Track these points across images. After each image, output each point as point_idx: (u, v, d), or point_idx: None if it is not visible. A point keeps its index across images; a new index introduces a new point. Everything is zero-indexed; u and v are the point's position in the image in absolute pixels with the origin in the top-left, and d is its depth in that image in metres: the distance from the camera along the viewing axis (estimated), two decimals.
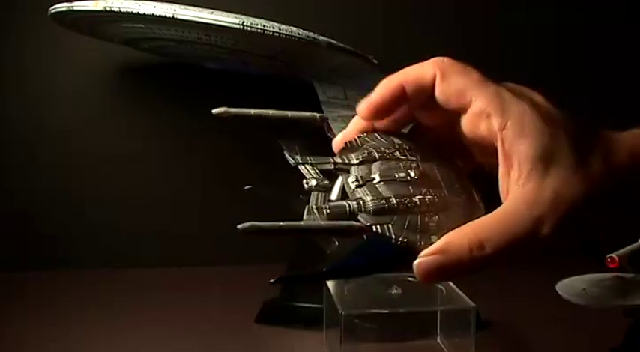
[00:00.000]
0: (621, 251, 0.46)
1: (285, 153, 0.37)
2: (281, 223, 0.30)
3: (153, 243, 0.84)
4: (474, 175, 0.37)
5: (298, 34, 0.57)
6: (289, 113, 0.39)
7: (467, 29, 0.85)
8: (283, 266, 0.65)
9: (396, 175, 0.34)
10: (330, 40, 0.59)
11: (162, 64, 0.81)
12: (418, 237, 0.31)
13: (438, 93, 0.33)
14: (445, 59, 0.34)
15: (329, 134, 0.67)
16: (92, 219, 0.83)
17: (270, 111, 0.39)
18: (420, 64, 0.34)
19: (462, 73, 0.33)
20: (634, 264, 0.46)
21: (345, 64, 0.63)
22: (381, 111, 0.35)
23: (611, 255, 0.46)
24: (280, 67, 0.68)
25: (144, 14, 0.57)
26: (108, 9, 0.58)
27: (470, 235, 0.30)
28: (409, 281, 0.52)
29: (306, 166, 0.36)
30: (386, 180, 0.34)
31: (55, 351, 0.56)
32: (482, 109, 0.32)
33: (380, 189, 0.33)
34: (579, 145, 0.31)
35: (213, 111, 0.38)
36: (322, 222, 0.31)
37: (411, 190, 0.33)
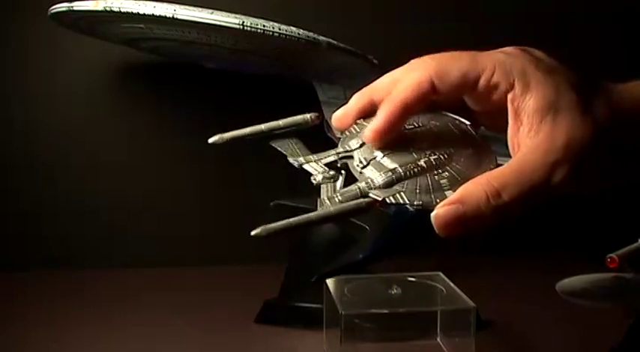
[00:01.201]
0: (621, 251, 0.46)
1: (287, 158, 0.37)
2: (291, 220, 0.31)
3: (153, 243, 0.83)
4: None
5: (298, 34, 0.57)
6: (281, 122, 0.39)
7: (467, 29, 0.85)
8: (283, 267, 0.65)
9: (398, 145, 0.35)
10: (330, 40, 0.59)
11: (162, 64, 0.81)
12: (432, 196, 0.32)
13: (445, 92, 0.34)
14: (427, 59, 0.35)
15: (329, 134, 0.67)
16: (92, 219, 0.83)
17: (263, 126, 0.39)
18: (408, 74, 0.35)
19: (456, 61, 0.34)
20: (634, 264, 0.46)
21: (345, 64, 0.63)
22: (390, 132, 0.35)
23: (611, 255, 0.46)
24: (280, 67, 0.68)
25: (144, 14, 0.57)
26: (108, 9, 0.58)
27: (486, 184, 0.31)
28: (409, 281, 0.52)
29: (311, 164, 0.36)
30: (388, 153, 0.34)
31: (55, 351, 0.56)
32: (487, 83, 0.33)
33: (385, 163, 0.34)
34: (583, 94, 0.32)
35: (209, 140, 0.39)
36: (331, 209, 0.32)
37: (415, 156, 0.34)
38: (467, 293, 0.49)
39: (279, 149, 0.38)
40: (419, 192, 0.32)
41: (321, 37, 0.59)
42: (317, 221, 0.32)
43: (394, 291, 0.50)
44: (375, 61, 0.63)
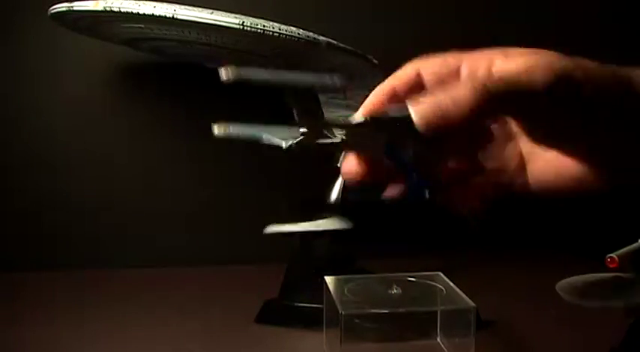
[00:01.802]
0: (621, 251, 0.46)
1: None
2: (268, 73, 0.31)
3: (153, 243, 0.84)
4: None
5: (298, 34, 0.57)
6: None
7: (467, 29, 0.85)
8: (283, 266, 0.65)
9: None
10: (330, 40, 0.59)
11: (162, 64, 0.81)
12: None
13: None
14: (420, 62, 0.35)
15: (329, 134, 0.67)
16: (92, 219, 0.83)
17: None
18: (403, 71, 0.35)
19: (440, 63, 0.35)
20: (634, 263, 0.46)
21: (345, 64, 0.63)
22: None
23: (611, 255, 0.46)
24: (280, 67, 0.68)
25: (144, 14, 0.57)
26: (108, 9, 0.58)
27: (465, 77, 0.32)
28: (409, 281, 0.52)
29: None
30: None
31: (55, 351, 0.56)
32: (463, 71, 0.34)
33: None
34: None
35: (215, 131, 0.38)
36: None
37: None
38: (467, 293, 0.49)
39: (271, 141, 0.38)
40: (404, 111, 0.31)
41: (321, 37, 0.59)
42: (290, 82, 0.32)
43: (394, 291, 0.50)
44: (375, 61, 0.63)
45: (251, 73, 0.33)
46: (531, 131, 0.34)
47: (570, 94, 0.31)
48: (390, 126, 0.32)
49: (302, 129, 0.36)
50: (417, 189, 0.33)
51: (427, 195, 0.33)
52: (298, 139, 0.35)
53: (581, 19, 0.89)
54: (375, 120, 0.32)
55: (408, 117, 0.30)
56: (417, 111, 0.30)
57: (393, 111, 0.33)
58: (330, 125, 0.33)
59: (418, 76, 0.35)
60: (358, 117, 0.32)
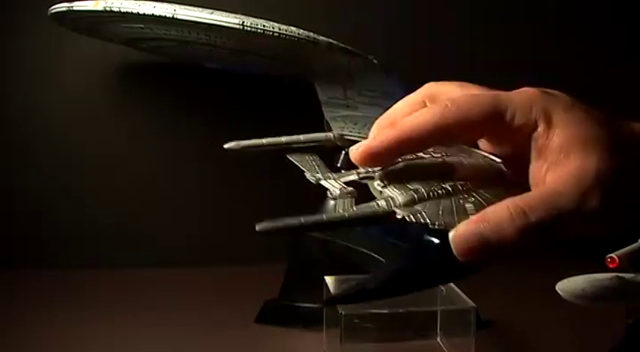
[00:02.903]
0: (621, 251, 0.46)
1: (305, 173, 0.35)
2: (302, 219, 0.28)
3: (153, 243, 0.83)
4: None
5: (298, 34, 0.57)
6: (302, 137, 0.38)
7: (467, 28, 0.85)
8: (283, 267, 0.65)
9: (422, 170, 0.33)
10: (330, 40, 0.59)
11: (162, 64, 0.81)
12: (455, 218, 0.30)
13: (461, 137, 0.33)
14: (447, 102, 0.32)
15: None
16: (92, 219, 0.83)
17: (283, 138, 0.38)
18: (426, 112, 0.33)
19: (476, 104, 0.32)
20: (634, 263, 0.46)
21: (345, 64, 0.63)
22: (381, 156, 0.33)
23: (611, 255, 0.46)
24: (280, 67, 0.68)
25: (144, 14, 0.57)
26: (108, 9, 0.58)
27: (510, 203, 0.29)
28: None
29: (329, 181, 0.34)
30: (412, 175, 0.32)
31: (55, 351, 0.56)
32: (510, 124, 0.32)
33: (407, 185, 0.32)
34: (607, 128, 0.31)
35: (225, 146, 0.37)
36: (345, 213, 0.30)
37: (441, 180, 0.32)
38: (467, 293, 0.49)
39: (296, 163, 0.36)
40: (441, 214, 0.30)
41: (321, 37, 0.59)
42: (327, 223, 0.29)
43: None
44: (375, 61, 0.63)
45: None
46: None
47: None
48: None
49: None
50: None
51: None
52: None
53: (580, 19, 0.89)
54: (404, 221, 0.29)
55: (446, 233, 0.29)
56: (456, 242, 0.29)
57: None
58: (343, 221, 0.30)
59: (444, 122, 0.32)
60: (397, 210, 0.30)
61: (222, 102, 0.83)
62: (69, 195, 0.82)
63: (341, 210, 0.30)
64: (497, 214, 0.29)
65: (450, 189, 0.31)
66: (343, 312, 0.46)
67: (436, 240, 0.30)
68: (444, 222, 0.29)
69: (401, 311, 0.48)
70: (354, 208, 0.30)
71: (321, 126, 0.64)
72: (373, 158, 0.33)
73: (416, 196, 0.30)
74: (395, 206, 0.30)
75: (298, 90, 0.68)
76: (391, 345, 0.51)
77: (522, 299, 0.69)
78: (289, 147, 0.37)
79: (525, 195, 0.30)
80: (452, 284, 0.51)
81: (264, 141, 0.38)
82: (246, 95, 0.83)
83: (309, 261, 0.62)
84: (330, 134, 0.38)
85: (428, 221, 0.29)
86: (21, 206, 0.81)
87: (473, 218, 0.29)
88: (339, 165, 0.60)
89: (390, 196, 0.31)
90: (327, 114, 0.64)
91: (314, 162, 0.36)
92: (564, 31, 0.88)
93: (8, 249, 0.80)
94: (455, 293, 0.50)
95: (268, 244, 0.80)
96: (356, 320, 0.47)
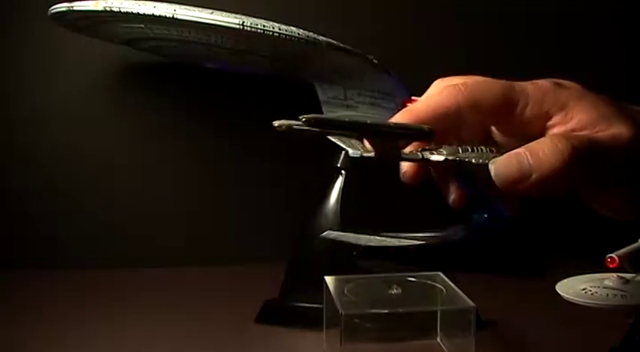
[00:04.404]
0: (621, 251, 0.46)
1: (346, 150, 0.36)
2: (346, 118, 0.30)
3: (153, 243, 0.84)
4: None
5: (298, 34, 0.57)
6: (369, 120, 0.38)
7: (467, 29, 0.85)
8: (283, 266, 0.65)
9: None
10: (330, 40, 0.59)
11: (162, 64, 0.81)
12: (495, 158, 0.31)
13: (473, 122, 0.34)
14: (460, 86, 0.33)
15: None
16: (92, 219, 0.83)
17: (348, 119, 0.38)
18: (438, 96, 0.34)
19: (489, 91, 0.33)
20: (634, 263, 0.46)
21: (345, 64, 0.63)
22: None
23: (611, 255, 0.46)
24: (280, 67, 0.68)
25: (144, 14, 0.57)
26: (108, 9, 0.58)
27: (552, 135, 0.31)
28: (409, 281, 0.52)
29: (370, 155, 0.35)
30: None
31: (55, 351, 0.56)
32: (522, 113, 0.32)
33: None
34: (618, 106, 0.33)
35: (275, 123, 0.37)
36: (391, 122, 0.31)
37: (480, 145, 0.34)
38: (467, 293, 0.49)
39: (340, 144, 0.37)
40: (484, 157, 0.32)
41: (321, 37, 0.59)
42: (372, 127, 0.30)
43: (394, 291, 0.50)
44: (375, 61, 0.63)
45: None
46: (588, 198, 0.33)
47: None
48: (468, 169, 0.32)
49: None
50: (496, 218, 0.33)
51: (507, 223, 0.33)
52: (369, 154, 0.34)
53: (581, 19, 0.89)
54: (454, 162, 0.31)
55: (486, 166, 0.30)
56: (496, 168, 0.30)
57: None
58: (405, 159, 0.33)
59: (457, 104, 0.33)
60: (438, 155, 0.32)
61: (222, 102, 0.83)
62: (69, 195, 0.82)
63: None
64: (539, 142, 0.30)
65: (493, 148, 0.33)
66: (343, 312, 0.46)
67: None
68: (488, 160, 0.31)
69: (401, 311, 0.48)
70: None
71: None
72: None
73: (460, 149, 0.33)
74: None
75: (298, 90, 0.68)
76: (391, 345, 0.51)
77: (522, 299, 0.68)
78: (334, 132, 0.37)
79: (567, 132, 0.31)
80: (452, 284, 0.51)
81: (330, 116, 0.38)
82: (246, 95, 0.83)
83: (309, 261, 0.62)
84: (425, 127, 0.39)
85: (472, 160, 0.31)
86: (21, 206, 0.81)
87: (515, 150, 0.30)
88: (339, 165, 0.60)
89: (434, 151, 0.33)
90: (327, 114, 0.64)
91: (358, 143, 0.36)
92: (564, 31, 0.88)
93: (8, 249, 0.80)
94: (455, 293, 0.50)
95: (268, 244, 0.80)
96: (356, 320, 0.47)
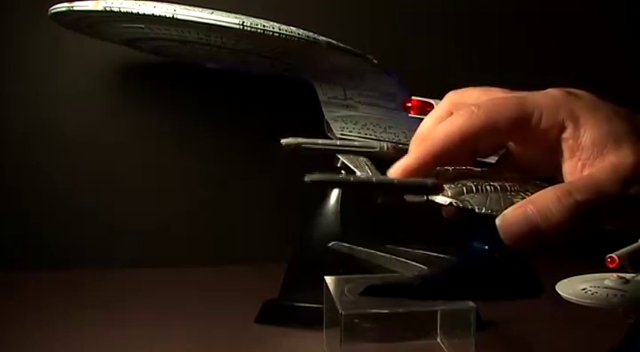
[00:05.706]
0: (621, 251, 0.46)
1: (355, 173, 0.35)
2: (351, 178, 0.30)
3: (153, 243, 0.84)
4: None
5: (298, 34, 0.57)
6: (356, 142, 0.38)
7: (467, 29, 0.85)
8: (283, 266, 0.65)
9: (472, 174, 0.34)
10: (330, 40, 0.59)
11: (163, 64, 0.81)
12: (502, 206, 0.30)
13: (490, 142, 0.34)
14: (473, 108, 0.33)
15: (329, 134, 0.67)
16: (92, 219, 0.83)
17: (338, 142, 0.38)
18: (453, 120, 0.33)
19: (502, 108, 0.33)
20: (634, 263, 0.46)
21: (345, 64, 0.63)
22: (419, 173, 0.34)
23: (611, 255, 0.46)
24: (280, 67, 0.68)
25: (144, 14, 0.57)
26: (108, 9, 0.58)
27: (557, 187, 0.30)
28: None
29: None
30: (461, 176, 0.33)
31: (55, 351, 0.56)
32: (537, 127, 0.32)
33: (456, 182, 0.33)
34: (634, 122, 0.32)
35: (283, 141, 0.37)
36: (394, 179, 0.31)
37: (489, 180, 0.33)
38: None
39: (348, 164, 0.37)
40: (488, 203, 0.30)
41: (321, 37, 0.59)
42: (376, 184, 0.30)
43: None
44: (375, 61, 0.63)
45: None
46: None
47: None
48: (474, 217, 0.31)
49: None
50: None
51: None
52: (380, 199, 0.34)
53: (582, 17, 0.89)
54: (458, 208, 0.31)
55: (493, 219, 0.29)
56: (504, 227, 0.29)
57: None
58: (409, 200, 0.31)
59: (474, 130, 0.33)
60: (443, 197, 0.31)
61: (223, 102, 0.84)
62: (69, 195, 0.82)
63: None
64: (544, 197, 0.30)
65: (497, 186, 0.32)
66: (343, 312, 0.46)
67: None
68: (491, 209, 0.30)
69: (401, 311, 0.48)
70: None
71: (321, 126, 0.64)
72: (413, 175, 0.33)
73: (464, 188, 0.31)
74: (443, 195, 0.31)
75: (298, 90, 0.68)
76: (391, 345, 0.51)
77: (522, 299, 0.68)
78: (342, 150, 0.38)
79: (569, 181, 0.31)
80: None
81: (320, 141, 0.38)
82: (246, 95, 0.83)
83: (309, 260, 0.62)
84: (384, 144, 0.39)
85: (475, 207, 0.30)
86: (21, 206, 0.82)
87: (519, 203, 0.30)
88: (339, 165, 0.60)
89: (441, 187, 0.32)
90: (327, 114, 0.64)
91: (365, 164, 0.36)
92: (564, 30, 0.88)
93: (8, 249, 0.80)
94: None
95: (268, 244, 0.80)
96: (356, 320, 0.47)
